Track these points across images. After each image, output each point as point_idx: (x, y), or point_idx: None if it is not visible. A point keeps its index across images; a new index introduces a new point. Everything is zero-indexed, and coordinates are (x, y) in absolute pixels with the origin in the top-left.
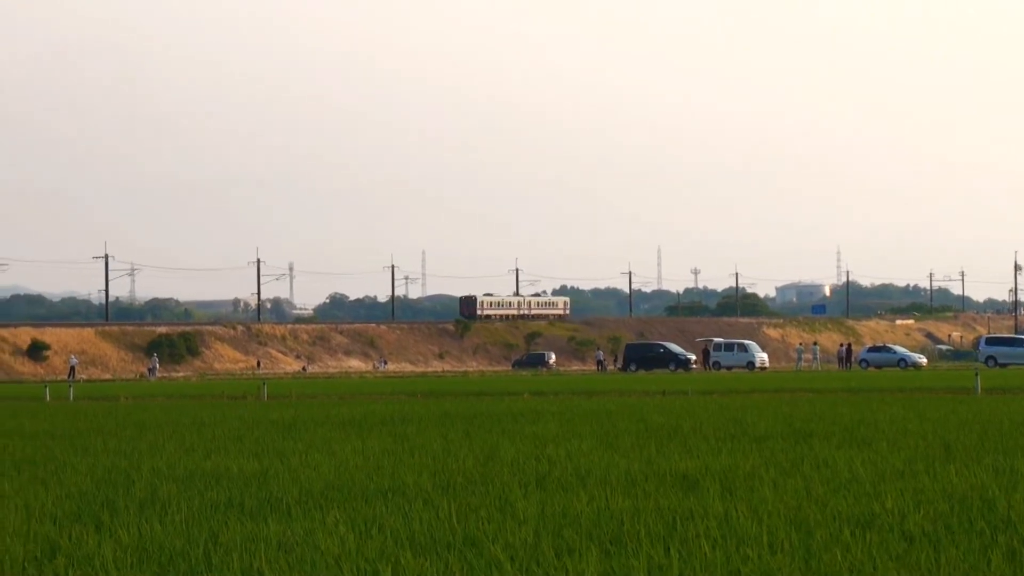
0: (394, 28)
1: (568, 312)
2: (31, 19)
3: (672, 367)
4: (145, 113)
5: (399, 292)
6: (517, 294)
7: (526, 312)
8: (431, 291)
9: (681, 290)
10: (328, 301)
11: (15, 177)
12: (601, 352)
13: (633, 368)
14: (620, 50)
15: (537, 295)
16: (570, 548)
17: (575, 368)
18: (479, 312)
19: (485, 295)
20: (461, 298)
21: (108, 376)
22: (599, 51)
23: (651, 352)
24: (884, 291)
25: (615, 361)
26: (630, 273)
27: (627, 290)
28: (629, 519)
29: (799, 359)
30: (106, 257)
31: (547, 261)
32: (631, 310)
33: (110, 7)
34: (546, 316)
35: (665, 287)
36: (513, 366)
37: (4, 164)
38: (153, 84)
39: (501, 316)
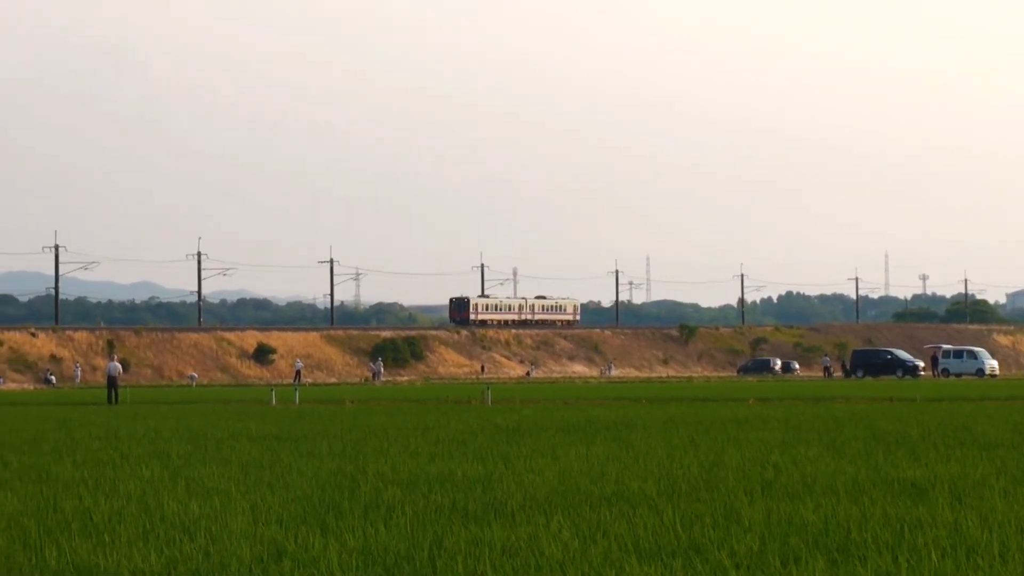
0: (612, 40)
1: (578, 318)
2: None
3: (899, 374)
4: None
5: (623, 297)
6: (519, 296)
7: (528, 317)
8: (655, 296)
9: (909, 296)
10: None
11: (242, 184)
12: (827, 358)
13: (860, 374)
14: (846, 55)
15: (541, 297)
16: (796, 556)
17: (801, 374)
18: (472, 316)
19: (480, 297)
20: (451, 299)
21: (333, 380)
22: (827, 56)
23: (878, 358)
24: None
25: (842, 367)
26: (857, 279)
27: (854, 296)
28: (856, 527)
29: None
30: (331, 262)
31: (772, 266)
32: (857, 316)
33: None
34: (552, 322)
35: (892, 293)
36: (739, 372)
37: (232, 173)
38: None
39: (498, 321)
